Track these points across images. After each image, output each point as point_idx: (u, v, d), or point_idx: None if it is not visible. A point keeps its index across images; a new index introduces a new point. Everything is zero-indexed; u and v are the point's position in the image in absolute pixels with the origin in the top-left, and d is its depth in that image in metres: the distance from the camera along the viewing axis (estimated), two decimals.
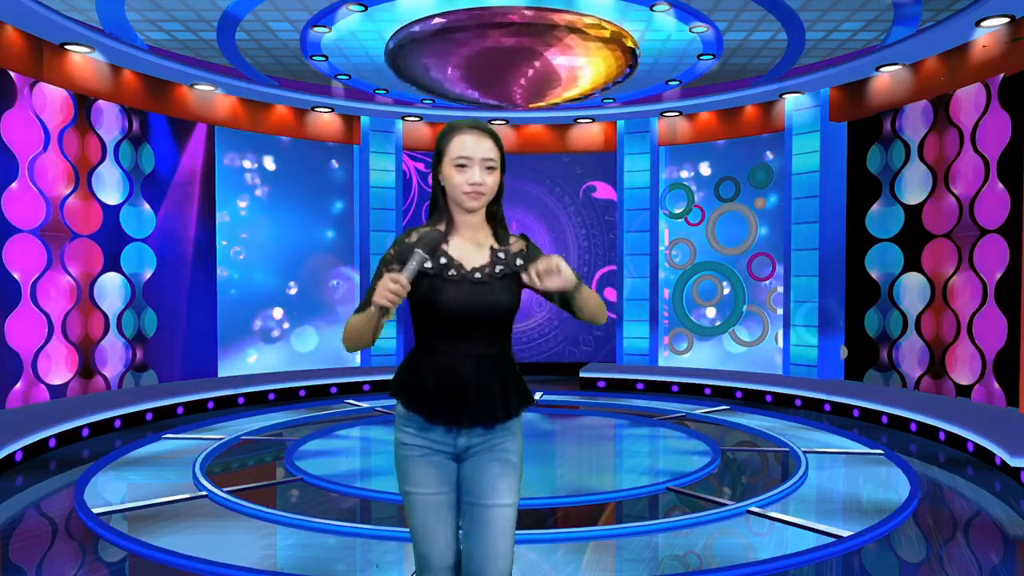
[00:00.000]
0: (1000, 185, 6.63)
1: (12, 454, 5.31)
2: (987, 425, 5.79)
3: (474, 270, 2.05)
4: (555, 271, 1.91)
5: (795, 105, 8.65)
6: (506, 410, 2.07)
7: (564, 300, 2.08)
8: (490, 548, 2.03)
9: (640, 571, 3.56)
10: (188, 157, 8.39)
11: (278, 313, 9.28)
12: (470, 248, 2.09)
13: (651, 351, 9.81)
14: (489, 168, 2.04)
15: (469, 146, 2.02)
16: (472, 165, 2.02)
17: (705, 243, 9.64)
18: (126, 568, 3.63)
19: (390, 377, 2.30)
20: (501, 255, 2.09)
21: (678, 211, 9.82)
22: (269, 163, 9.18)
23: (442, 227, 2.11)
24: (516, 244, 2.14)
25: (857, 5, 6.22)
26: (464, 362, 2.04)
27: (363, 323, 1.99)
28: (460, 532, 2.13)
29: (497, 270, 2.07)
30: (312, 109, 9.23)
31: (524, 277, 1.98)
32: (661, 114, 9.58)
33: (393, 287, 1.85)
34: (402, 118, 9.72)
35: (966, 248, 7.03)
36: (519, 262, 2.09)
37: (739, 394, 8.38)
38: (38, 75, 6.71)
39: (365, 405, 7.88)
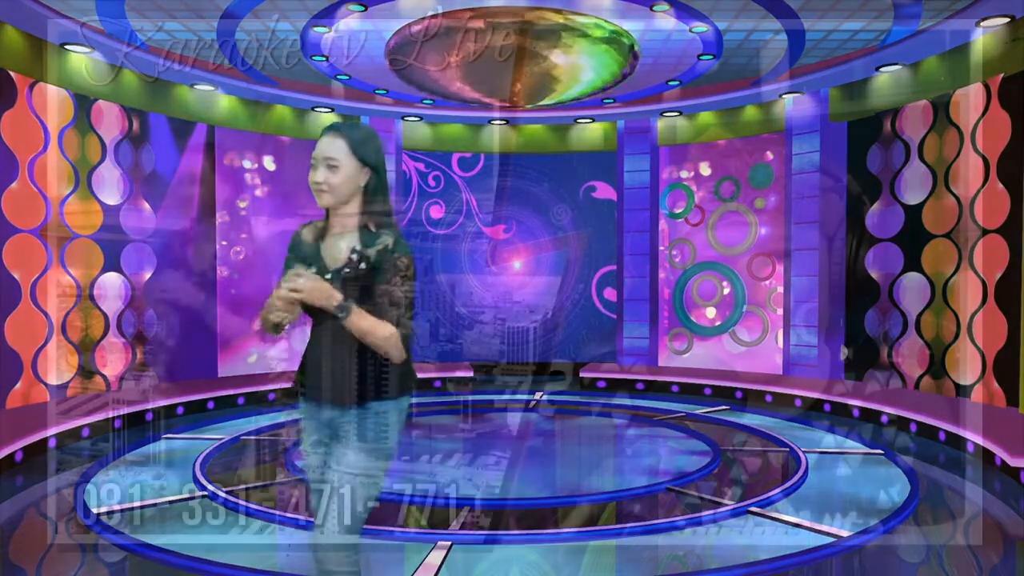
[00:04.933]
0: (1000, 185, 6.63)
1: (12, 454, 5.31)
2: (987, 425, 5.79)
3: (332, 272, 2.18)
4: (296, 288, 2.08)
5: (795, 105, 8.64)
6: (357, 396, 2.24)
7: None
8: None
9: (640, 571, 3.55)
10: (188, 157, 8.38)
11: None
12: (338, 247, 2.21)
13: (651, 351, 9.81)
14: (330, 166, 2.14)
15: (318, 147, 2.17)
16: (317, 165, 2.16)
17: (705, 243, 9.64)
18: (126, 568, 3.62)
19: None
20: (354, 257, 2.17)
21: (678, 211, 9.82)
22: (269, 163, 9.18)
23: (323, 224, 2.29)
24: (381, 244, 2.18)
25: (857, 5, 6.21)
26: (326, 351, 2.25)
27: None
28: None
29: (347, 271, 2.18)
30: (312, 109, 9.23)
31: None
32: (661, 114, 9.58)
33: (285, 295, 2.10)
34: (402, 118, 9.72)
35: (966, 248, 7.03)
36: (362, 265, 2.16)
37: (739, 394, 8.38)
38: (38, 75, 6.71)
39: None
